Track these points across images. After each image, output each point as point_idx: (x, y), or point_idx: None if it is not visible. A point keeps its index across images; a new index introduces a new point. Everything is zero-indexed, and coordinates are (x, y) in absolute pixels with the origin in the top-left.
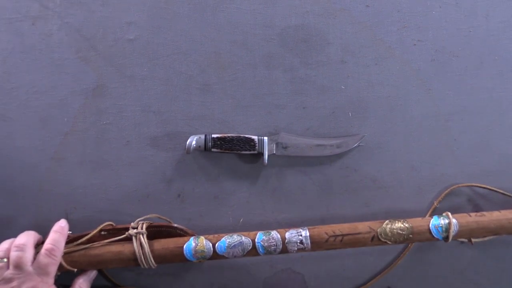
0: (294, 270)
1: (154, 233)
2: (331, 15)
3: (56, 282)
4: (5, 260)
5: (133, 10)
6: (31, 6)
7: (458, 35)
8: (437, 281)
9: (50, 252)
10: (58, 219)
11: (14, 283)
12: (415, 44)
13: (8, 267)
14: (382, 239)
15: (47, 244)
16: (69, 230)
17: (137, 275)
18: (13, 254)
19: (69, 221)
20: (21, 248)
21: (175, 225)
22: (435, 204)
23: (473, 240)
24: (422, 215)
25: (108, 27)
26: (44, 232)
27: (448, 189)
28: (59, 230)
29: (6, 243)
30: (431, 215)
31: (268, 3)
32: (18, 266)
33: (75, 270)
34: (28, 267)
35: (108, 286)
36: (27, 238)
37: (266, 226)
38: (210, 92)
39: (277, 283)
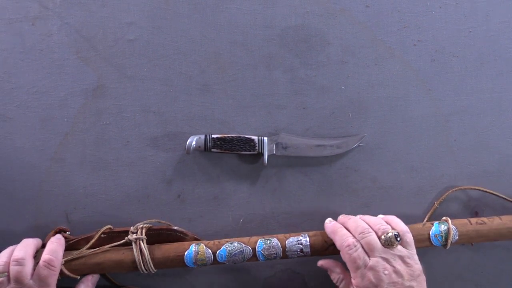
0: (294, 270)
1: (154, 236)
2: (331, 15)
3: (58, 287)
4: (6, 274)
5: (133, 10)
6: (31, 7)
7: (458, 35)
8: (437, 283)
9: (48, 264)
10: (58, 219)
11: None
12: (415, 44)
13: (9, 282)
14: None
15: (45, 255)
16: (69, 231)
17: (137, 275)
18: (13, 269)
19: (69, 222)
20: (20, 263)
21: (175, 227)
22: (435, 205)
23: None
24: (422, 215)
25: (108, 27)
26: (44, 232)
27: (449, 191)
28: (56, 241)
29: (4, 256)
30: (431, 217)
31: (268, 3)
32: (18, 281)
33: (78, 277)
34: (28, 280)
35: (108, 286)
36: (25, 250)
37: (266, 226)
38: (210, 92)
39: (277, 283)
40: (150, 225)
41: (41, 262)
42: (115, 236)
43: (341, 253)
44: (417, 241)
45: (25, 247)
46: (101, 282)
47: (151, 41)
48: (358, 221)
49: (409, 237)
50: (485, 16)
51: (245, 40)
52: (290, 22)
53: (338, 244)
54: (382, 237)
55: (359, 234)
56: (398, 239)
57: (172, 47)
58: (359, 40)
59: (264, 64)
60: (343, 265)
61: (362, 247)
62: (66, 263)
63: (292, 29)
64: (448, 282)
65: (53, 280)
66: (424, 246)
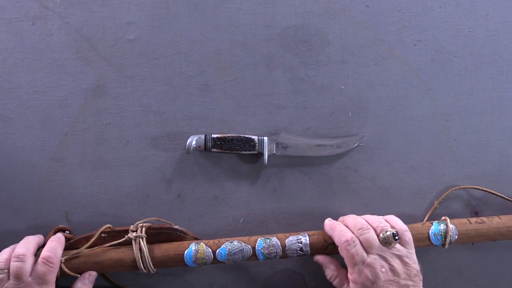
0: (294, 270)
1: (154, 235)
2: (331, 15)
3: (57, 285)
4: (6, 271)
5: (133, 10)
6: (31, 6)
7: (458, 35)
8: (437, 282)
9: (47, 260)
10: (58, 219)
11: None
12: (415, 44)
13: (8, 278)
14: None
15: (43, 253)
16: (69, 230)
17: (137, 275)
18: (13, 265)
19: (69, 222)
20: (20, 259)
21: (175, 226)
22: (435, 204)
23: None
24: (422, 215)
25: (108, 27)
26: (44, 232)
27: (448, 191)
28: (56, 239)
29: (6, 253)
30: (431, 216)
31: (268, 3)
32: (18, 277)
33: (79, 275)
34: (28, 277)
35: (107, 286)
36: (26, 247)
37: (266, 226)
38: (210, 92)
39: (277, 283)
40: (150, 223)
41: (40, 259)
42: (115, 235)
43: (339, 248)
44: (416, 240)
45: (27, 244)
46: (101, 283)
47: (151, 41)
48: (357, 218)
49: (407, 236)
50: (485, 16)
51: (245, 40)
52: (290, 22)
53: (336, 240)
54: (381, 235)
55: (358, 230)
56: (396, 237)
57: (172, 47)
58: (359, 40)
59: (264, 63)
60: (338, 263)
61: (361, 243)
62: (66, 262)
63: (292, 29)
64: (448, 281)
65: (51, 278)
66: (424, 245)
